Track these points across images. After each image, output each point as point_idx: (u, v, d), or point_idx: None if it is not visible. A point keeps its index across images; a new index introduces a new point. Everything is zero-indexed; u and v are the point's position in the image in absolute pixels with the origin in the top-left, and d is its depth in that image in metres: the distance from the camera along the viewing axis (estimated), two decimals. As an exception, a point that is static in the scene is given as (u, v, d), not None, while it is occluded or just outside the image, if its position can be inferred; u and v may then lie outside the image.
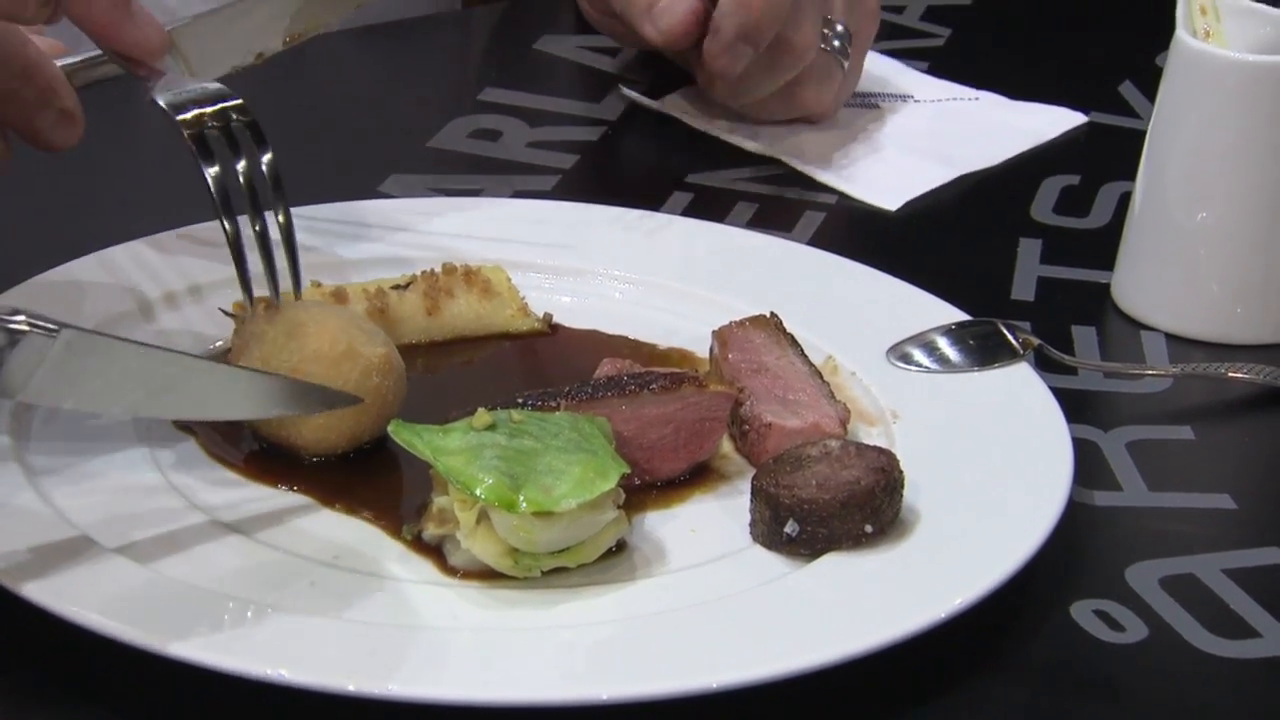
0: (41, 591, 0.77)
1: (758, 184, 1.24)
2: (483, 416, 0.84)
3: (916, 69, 1.42)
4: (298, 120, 1.33)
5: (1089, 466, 0.95)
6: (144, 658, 0.75)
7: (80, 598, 0.77)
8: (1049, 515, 0.86)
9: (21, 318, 0.79)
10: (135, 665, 0.76)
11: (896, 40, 1.48)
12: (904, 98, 1.37)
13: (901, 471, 0.86)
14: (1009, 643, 0.84)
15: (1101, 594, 0.87)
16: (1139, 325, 1.10)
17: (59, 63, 0.95)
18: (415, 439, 0.83)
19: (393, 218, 1.09)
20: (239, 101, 0.94)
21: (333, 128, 1.32)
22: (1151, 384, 1.04)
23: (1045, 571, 0.85)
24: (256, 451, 0.90)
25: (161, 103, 0.93)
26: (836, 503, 0.84)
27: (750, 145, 1.28)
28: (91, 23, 0.93)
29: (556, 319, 1.03)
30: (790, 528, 0.84)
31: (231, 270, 0.92)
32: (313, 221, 1.07)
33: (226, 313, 0.96)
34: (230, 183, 0.91)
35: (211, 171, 0.91)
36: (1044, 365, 1.01)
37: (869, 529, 0.84)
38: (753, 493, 0.87)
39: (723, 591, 0.83)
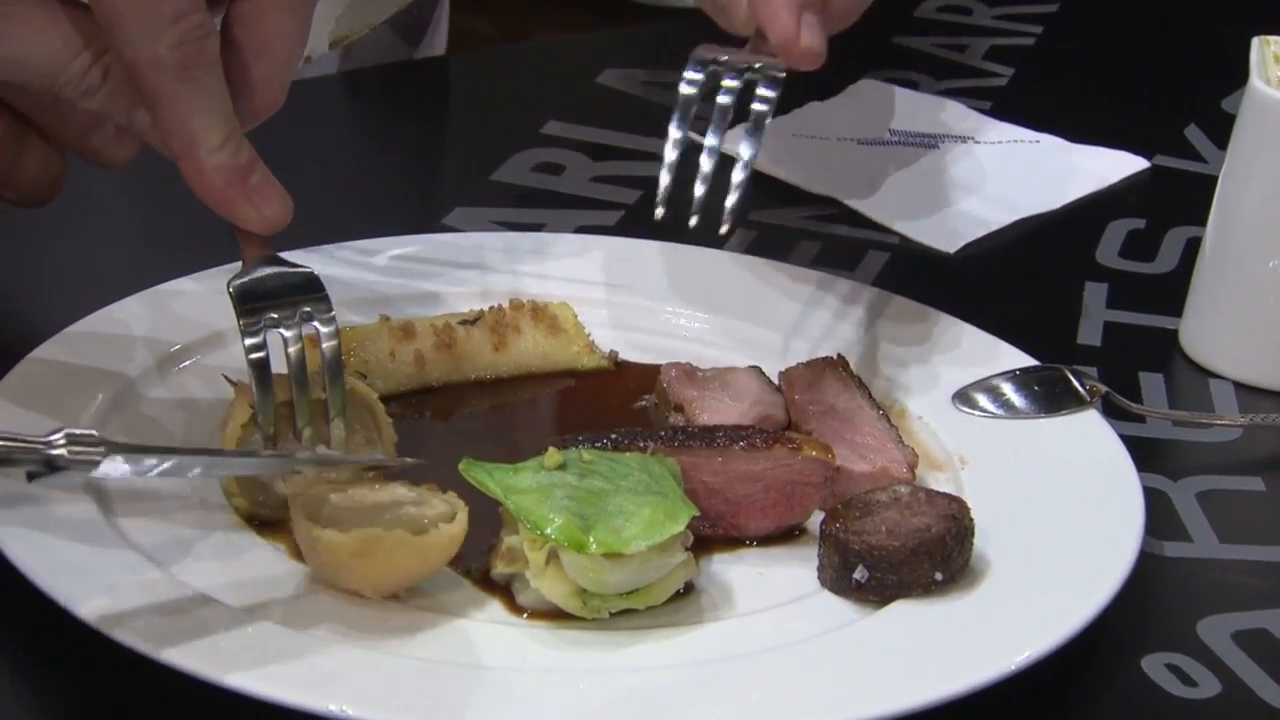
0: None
1: (817, 223, 1.23)
2: (553, 455, 0.84)
3: (978, 109, 1.41)
4: (362, 151, 1.33)
5: (1159, 517, 0.94)
6: (209, 690, 0.75)
7: (150, 631, 0.77)
8: (1120, 566, 0.85)
9: (61, 437, 0.75)
10: (200, 697, 0.75)
11: (958, 80, 1.48)
12: (963, 139, 1.37)
13: (972, 519, 0.85)
14: (1079, 695, 0.83)
15: (1173, 647, 0.86)
16: (1207, 373, 1.09)
17: None
18: (486, 478, 0.83)
19: (459, 252, 1.09)
20: (320, 293, 0.86)
21: (397, 160, 1.32)
22: (1221, 433, 1.03)
23: (1116, 623, 0.84)
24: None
25: (231, 293, 0.85)
26: (906, 549, 0.83)
27: (809, 185, 1.27)
28: (204, 192, 0.84)
29: (621, 356, 1.03)
30: (859, 574, 0.84)
31: None
32: (378, 254, 1.08)
33: (230, 380, 0.90)
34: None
35: (256, 356, 0.84)
36: (1111, 412, 1.00)
37: (939, 577, 0.84)
38: (821, 537, 0.86)
39: (790, 637, 0.82)
